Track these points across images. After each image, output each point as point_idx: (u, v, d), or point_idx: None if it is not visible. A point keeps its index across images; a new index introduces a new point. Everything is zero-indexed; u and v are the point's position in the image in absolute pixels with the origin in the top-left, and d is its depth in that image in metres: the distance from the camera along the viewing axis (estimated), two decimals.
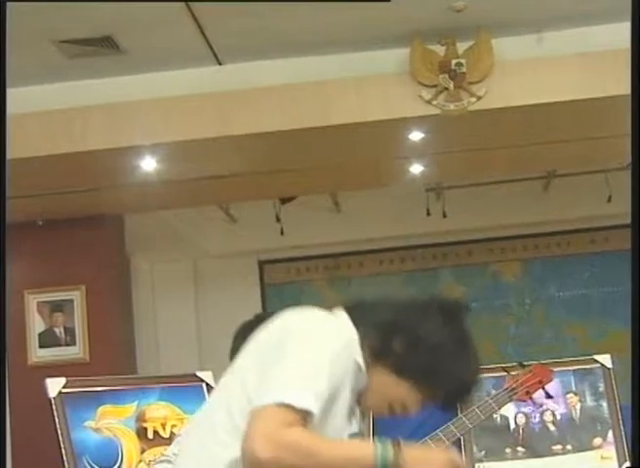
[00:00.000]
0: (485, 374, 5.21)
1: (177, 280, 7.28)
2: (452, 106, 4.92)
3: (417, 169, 6.16)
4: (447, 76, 4.91)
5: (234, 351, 2.84)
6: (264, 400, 1.65)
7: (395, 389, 1.81)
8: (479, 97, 4.91)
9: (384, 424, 4.91)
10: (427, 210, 7.07)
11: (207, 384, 3.98)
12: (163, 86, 5.08)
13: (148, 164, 5.46)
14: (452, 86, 4.91)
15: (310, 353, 1.69)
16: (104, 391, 4.08)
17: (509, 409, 4.89)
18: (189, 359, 6.46)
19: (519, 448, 4.24)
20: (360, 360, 1.79)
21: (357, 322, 1.83)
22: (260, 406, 1.65)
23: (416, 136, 5.37)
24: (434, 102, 4.93)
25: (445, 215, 7.11)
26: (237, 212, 7.40)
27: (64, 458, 3.82)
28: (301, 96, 5.00)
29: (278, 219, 7.14)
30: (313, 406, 1.64)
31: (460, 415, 2.86)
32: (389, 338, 1.81)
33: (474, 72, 4.91)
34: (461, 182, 7.08)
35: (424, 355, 1.80)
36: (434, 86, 4.93)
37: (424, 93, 4.94)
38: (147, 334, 7.00)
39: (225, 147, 5.22)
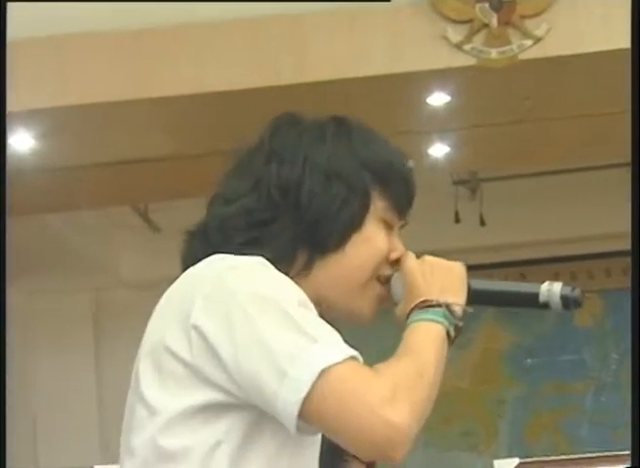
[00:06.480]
0: None
1: (68, 322, 7.28)
2: (494, 53, 4.97)
3: (439, 150, 6.18)
4: (487, 6, 4.97)
5: None
6: (300, 388, 1.73)
7: (355, 259, 1.96)
8: (537, 40, 4.93)
9: None
10: (456, 213, 7.15)
11: None
12: (49, 20, 5.04)
13: (23, 141, 5.46)
14: (495, 22, 4.96)
15: (280, 307, 1.80)
16: None
17: None
18: (84, 447, 6.44)
19: None
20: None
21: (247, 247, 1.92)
22: (298, 397, 1.72)
23: (438, 99, 5.41)
24: (467, 47, 4.98)
25: (483, 222, 7.18)
26: (160, 216, 7.40)
27: None
28: (266, 37, 5.05)
29: None
30: (344, 347, 1.78)
31: None
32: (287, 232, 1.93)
33: (529, 1, 4.96)
34: (506, 172, 7.14)
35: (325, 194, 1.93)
36: (467, 21, 4.99)
37: (452, 32, 4.98)
38: (19, 410, 6.87)
39: (143, 116, 5.25)
